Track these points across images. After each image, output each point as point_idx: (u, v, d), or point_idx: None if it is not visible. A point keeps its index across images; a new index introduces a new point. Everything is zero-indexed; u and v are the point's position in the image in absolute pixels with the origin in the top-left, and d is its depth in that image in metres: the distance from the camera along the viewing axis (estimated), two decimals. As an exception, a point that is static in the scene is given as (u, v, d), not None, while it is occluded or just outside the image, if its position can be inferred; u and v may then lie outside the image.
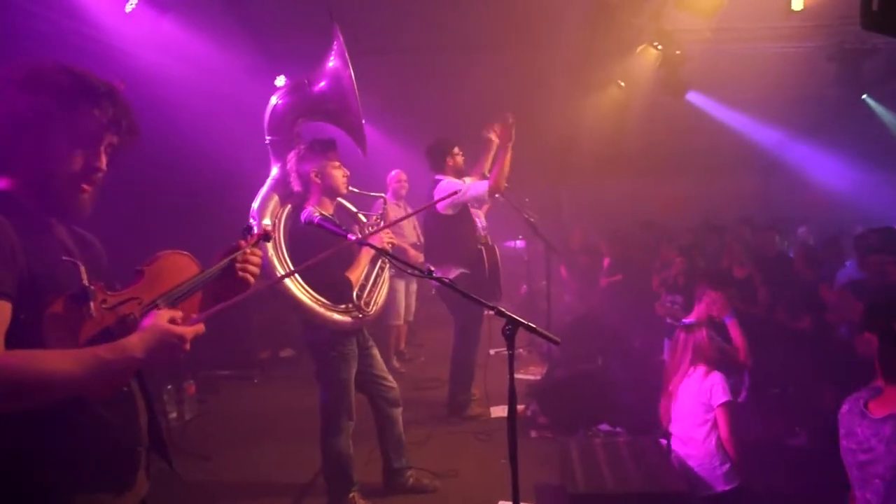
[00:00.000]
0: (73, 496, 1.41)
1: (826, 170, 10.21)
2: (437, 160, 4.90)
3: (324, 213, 3.08)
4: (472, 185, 4.59)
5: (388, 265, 3.54)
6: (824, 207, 10.27)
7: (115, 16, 4.97)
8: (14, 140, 1.43)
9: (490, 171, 4.60)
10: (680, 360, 3.47)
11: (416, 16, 6.45)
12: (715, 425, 3.30)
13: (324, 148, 3.24)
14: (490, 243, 4.97)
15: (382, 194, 3.64)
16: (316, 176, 3.22)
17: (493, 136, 4.63)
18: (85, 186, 1.50)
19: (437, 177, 4.87)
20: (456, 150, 4.92)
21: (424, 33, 6.90)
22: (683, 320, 3.94)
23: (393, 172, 6.31)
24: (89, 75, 1.49)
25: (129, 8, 4.99)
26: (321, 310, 3.15)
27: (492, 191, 4.46)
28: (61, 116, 1.43)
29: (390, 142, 9.04)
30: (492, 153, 4.77)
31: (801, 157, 10.41)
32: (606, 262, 7.45)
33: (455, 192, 4.30)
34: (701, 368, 3.39)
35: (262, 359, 6.59)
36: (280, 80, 7.22)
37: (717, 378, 3.33)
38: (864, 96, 8.55)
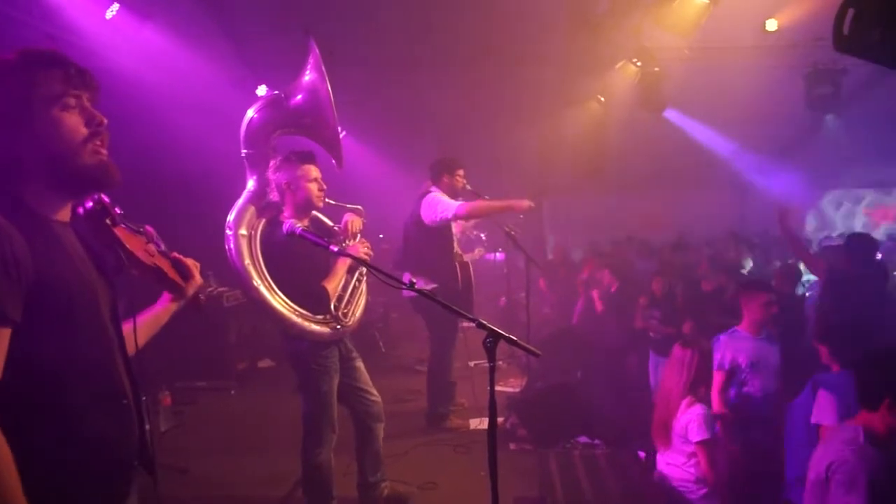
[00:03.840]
0: None
1: (800, 186, 10.43)
2: (438, 173, 4.92)
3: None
4: (444, 205, 4.59)
5: (365, 276, 3.51)
6: (799, 222, 10.48)
7: (96, 22, 4.94)
8: (11, 139, 1.37)
9: (477, 202, 4.62)
10: (678, 377, 3.31)
11: (399, 30, 6.50)
12: (693, 455, 3.22)
13: (300, 160, 3.20)
14: (464, 260, 5.00)
15: (359, 206, 3.60)
16: (288, 188, 3.19)
17: (526, 204, 4.58)
18: (101, 148, 1.45)
19: (432, 188, 4.89)
20: (460, 172, 4.93)
21: (408, 47, 6.95)
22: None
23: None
24: (26, 48, 1.43)
25: (109, 14, 4.96)
26: (298, 320, 3.11)
27: (456, 215, 4.57)
28: (32, 94, 1.37)
29: (374, 154, 9.06)
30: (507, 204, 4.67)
31: (776, 174, 10.62)
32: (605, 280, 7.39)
33: (437, 206, 4.49)
34: (687, 398, 3.27)
35: (240, 369, 6.52)
36: (262, 90, 7.23)
37: (696, 412, 3.18)
38: (826, 117, 8.78)
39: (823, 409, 2.88)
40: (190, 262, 1.80)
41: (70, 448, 1.36)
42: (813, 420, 2.93)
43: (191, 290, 1.80)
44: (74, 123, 1.41)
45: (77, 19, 4.78)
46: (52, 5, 4.55)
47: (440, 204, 4.63)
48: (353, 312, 3.37)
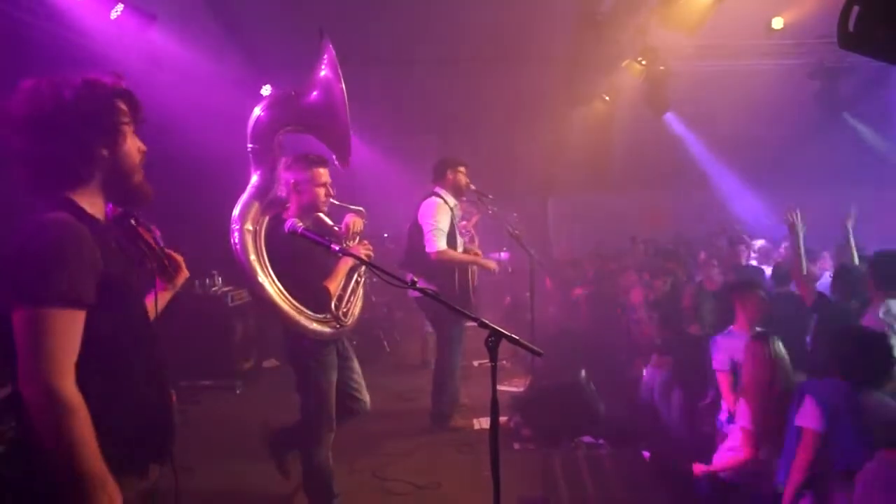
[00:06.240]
0: (112, 463, 1.55)
1: (806, 186, 10.34)
2: (441, 172, 4.93)
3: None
4: (433, 237, 4.68)
5: (364, 277, 3.53)
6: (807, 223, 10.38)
7: (100, 22, 4.96)
8: (82, 153, 1.61)
9: (450, 254, 4.77)
10: (763, 372, 3.22)
11: (404, 29, 6.50)
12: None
13: (313, 163, 3.23)
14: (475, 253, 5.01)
15: (361, 207, 3.59)
16: (295, 188, 3.22)
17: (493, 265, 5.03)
18: (142, 171, 1.74)
19: (436, 188, 4.91)
20: (462, 168, 4.93)
21: (413, 46, 6.95)
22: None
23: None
24: (103, 75, 1.68)
25: (114, 15, 4.98)
26: (300, 318, 3.12)
27: (430, 253, 4.67)
28: (109, 119, 1.64)
29: (379, 154, 9.06)
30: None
31: (781, 173, 10.55)
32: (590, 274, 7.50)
33: (430, 220, 4.68)
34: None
35: (245, 369, 6.53)
36: (266, 90, 7.25)
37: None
38: (844, 114, 8.69)
39: (808, 414, 2.83)
40: (178, 257, 2.04)
41: (130, 411, 1.63)
42: (797, 423, 2.87)
43: (180, 281, 2.05)
44: (133, 148, 1.71)
45: (82, 19, 4.80)
46: (57, 5, 4.58)
47: (430, 229, 4.69)
48: (352, 312, 3.39)
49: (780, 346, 3.28)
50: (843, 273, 4.55)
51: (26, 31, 4.38)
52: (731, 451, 3.33)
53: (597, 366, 5.65)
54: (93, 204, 1.66)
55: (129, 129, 1.69)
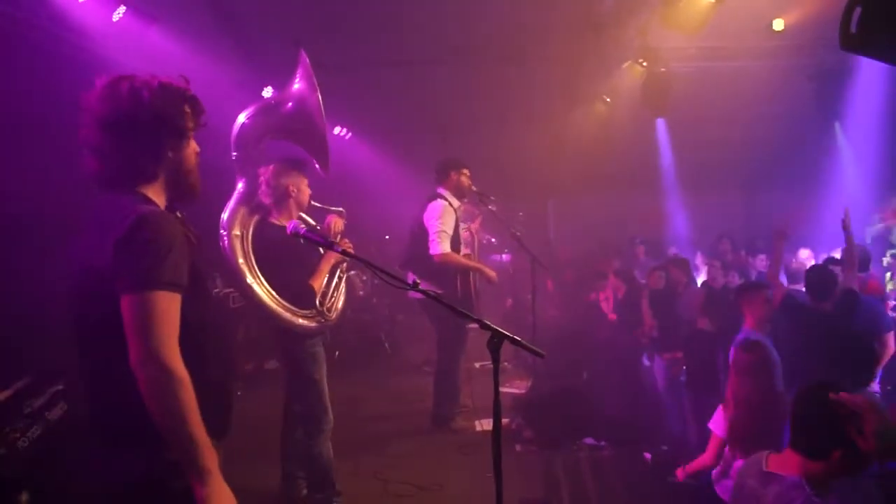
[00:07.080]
0: None
1: (806, 189, 10.32)
2: (442, 172, 4.95)
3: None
4: (437, 239, 4.71)
5: (346, 274, 3.70)
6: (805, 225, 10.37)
7: (102, 24, 4.96)
8: (159, 152, 1.74)
9: (455, 257, 4.82)
10: (754, 382, 3.19)
11: (404, 31, 6.50)
12: None
13: (299, 165, 3.44)
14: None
15: (341, 209, 3.71)
16: (292, 191, 3.39)
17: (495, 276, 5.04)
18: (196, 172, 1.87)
19: (439, 189, 4.92)
20: (465, 170, 4.96)
21: (414, 48, 6.94)
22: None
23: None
24: (176, 79, 1.80)
25: (116, 17, 4.98)
26: (287, 315, 3.28)
27: (434, 254, 4.69)
28: (180, 123, 1.76)
29: (379, 155, 9.06)
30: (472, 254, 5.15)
31: (781, 176, 10.53)
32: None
33: (435, 222, 4.70)
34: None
35: (247, 371, 6.52)
36: (267, 92, 7.23)
37: None
38: (836, 124, 8.66)
39: None
40: None
41: (203, 390, 1.68)
42: None
43: None
44: (192, 150, 1.84)
45: (83, 21, 4.80)
46: (59, 6, 4.58)
47: (435, 231, 4.72)
48: (335, 307, 3.55)
49: (770, 353, 3.26)
50: (815, 273, 4.33)
51: (27, 31, 4.39)
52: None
53: (599, 368, 5.67)
54: (159, 200, 1.78)
55: (191, 133, 1.82)
